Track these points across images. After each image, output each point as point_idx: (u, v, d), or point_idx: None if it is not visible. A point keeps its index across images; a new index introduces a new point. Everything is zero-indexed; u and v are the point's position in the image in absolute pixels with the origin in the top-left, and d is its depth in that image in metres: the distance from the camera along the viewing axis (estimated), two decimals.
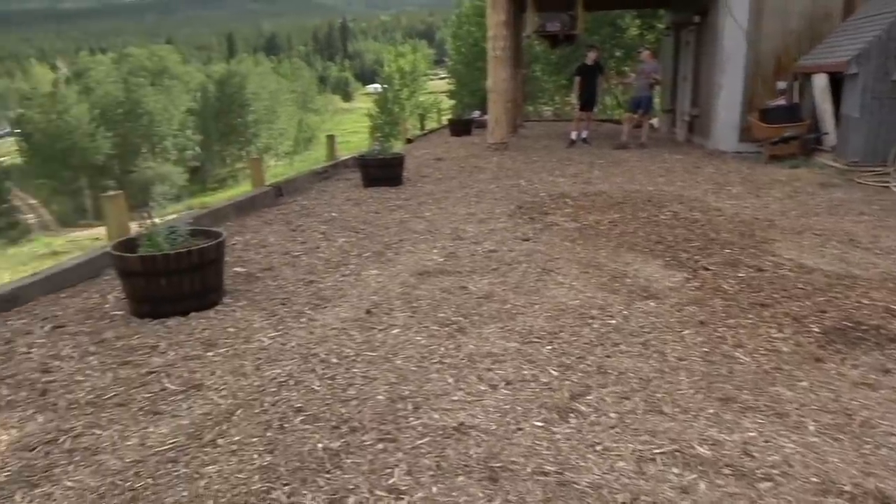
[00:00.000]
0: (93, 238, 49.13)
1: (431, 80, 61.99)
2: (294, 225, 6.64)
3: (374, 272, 4.93)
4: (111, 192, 5.42)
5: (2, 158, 69.25)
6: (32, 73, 79.25)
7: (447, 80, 40.53)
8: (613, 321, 3.86)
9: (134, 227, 4.86)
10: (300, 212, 7.33)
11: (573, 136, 13.10)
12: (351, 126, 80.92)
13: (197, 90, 68.82)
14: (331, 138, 10.71)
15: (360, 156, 9.10)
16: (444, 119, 21.45)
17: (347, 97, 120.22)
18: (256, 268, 5.08)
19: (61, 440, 2.70)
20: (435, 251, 5.47)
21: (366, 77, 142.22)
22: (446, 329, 3.78)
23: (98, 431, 2.76)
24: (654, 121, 15.80)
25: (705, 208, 6.94)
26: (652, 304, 4.16)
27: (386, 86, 52.80)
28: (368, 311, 4.10)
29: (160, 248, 4.03)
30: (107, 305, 4.30)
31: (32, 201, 65.24)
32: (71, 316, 4.12)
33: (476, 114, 18.45)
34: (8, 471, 2.50)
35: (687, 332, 3.70)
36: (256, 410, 2.88)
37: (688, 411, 2.84)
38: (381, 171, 8.87)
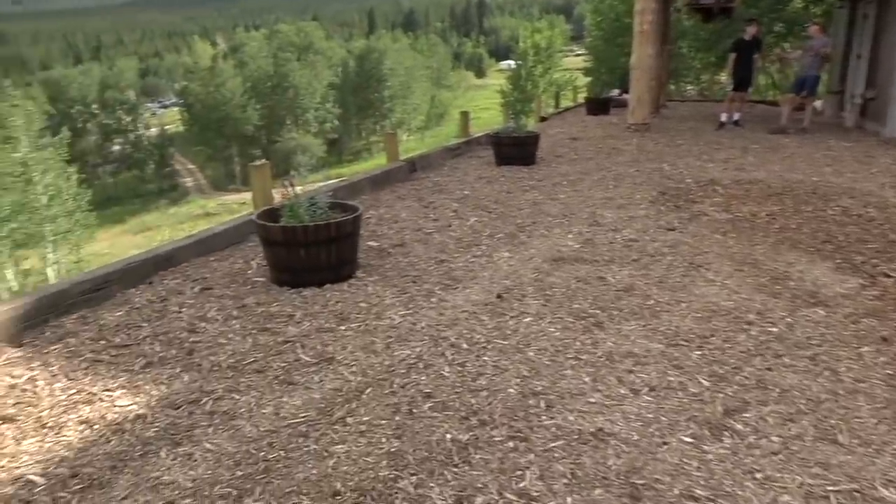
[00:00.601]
0: (240, 202, 53.10)
1: (566, 56, 60.35)
2: (426, 201, 6.62)
3: (506, 255, 4.77)
4: (258, 163, 5.64)
5: (167, 126, 76.44)
6: (195, 49, 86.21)
7: (584, 57, 39.21)
8: (775, 329, 3.44)
9: (277, 196, 5.05)
10: (432, 188, 7.31)
11: (723, 118, 12.11)
12: (483, 102, 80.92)
13: (338, 65, 71.77)
14: (465, 115, 10.62)
15: (494, 133, 8.93)
16: (580, 97, 20.71)
17: (481, 73, 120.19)
18: (389, 243, 5.09)
19: (203, 401, 2.80)
20: (570, 236, 5.21)
21: (500, 53, 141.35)
22: (582, 322, 3.55)
23: (236, 396, 2.83)
24: (818, 103, 14.26)
25: (883, 204, 6.10)
26: (821, 312, 3.67)
27: (520, 62, 52.06)
28: (500, 296, 3.96)
29: (301, 220, 4.11)
30: (249, 271, 4.48)
31: (191, 166, 71.59)
32: (217, 279, 4.32)
33: (615, 92, 17.62)
34: (156, 427, 2.62)
35: (865, 348, 3.22)
36: (386, 391, 2.83)
37: (869, 444, 2.44)
38: (514, 149, 8.65)
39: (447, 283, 4.22)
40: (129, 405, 2.78)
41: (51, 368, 3.12)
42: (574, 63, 65.54)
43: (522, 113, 40.93)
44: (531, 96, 47.62)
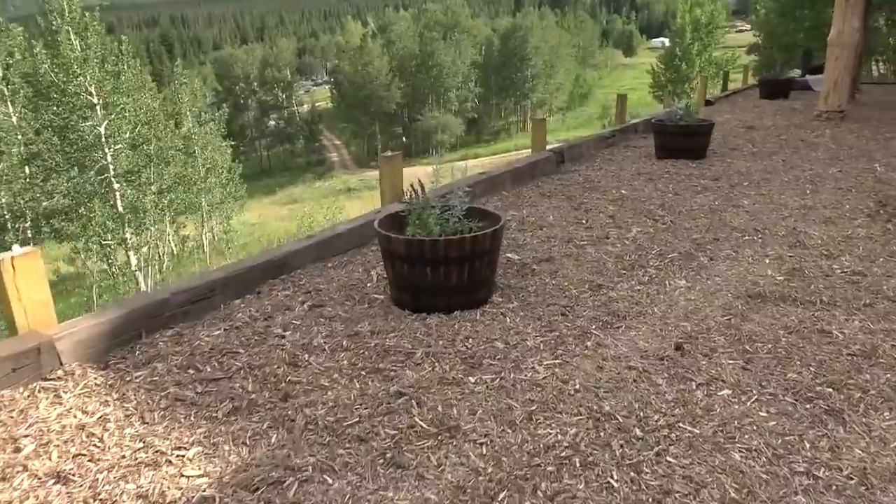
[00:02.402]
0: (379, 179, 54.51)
1: (727, 32, 55.34)
2: (577, 201, 5.67)
3: (683, 284, 3.74)
4: (389, 153, 5.00)
5: (318, 103, 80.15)
6: (347, 29, 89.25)
7: (753, 33, 35.38)
8: None
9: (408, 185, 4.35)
10: (584, 184, 6.32)
11: None
12: (629, 83, 76.93)
13: (482, 44, 71.10)
14: (622, 99, 9.42)
15: (658, 120, 7.71)
16: (751, 78, 18.41)
17: (630, 51, 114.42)
18: (532, 256, 4.23)
19: (287, 482, 2.14)
20: (767, 261, 4.06)
21: (652, 30, 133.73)
22: (808, 407, 2.50)
23: (329, 480, 2.15)
24: None
25: None
26: None
27: (676, 39, 48.31)
28: (679, 348, 2.98)
29: (429, 230, 3.37)
30: (369, 284, 3.83)
31: (337, 142, 74.73)
32: (331, 293, 3.71)
33: (795, 73, 15.37)
34: None
35: None
36: (527, 502, 2.01)
37: None
38: (681, 139, 7.40)
39: (606, 321, 3.30)
40: (198, 476, 2.18)
41: (127, 405, 2.63)
42: (735, 40, 60.05)
43: (675, 94, 37.99)
44: (685, 76, 44.18)
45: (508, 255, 4.24)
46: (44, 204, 20.58)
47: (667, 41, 55.39)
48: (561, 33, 77.41)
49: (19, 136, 20.59)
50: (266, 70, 73.70)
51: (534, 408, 2.53)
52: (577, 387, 2.67)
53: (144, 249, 19.91)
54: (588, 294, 3.64)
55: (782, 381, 2.68)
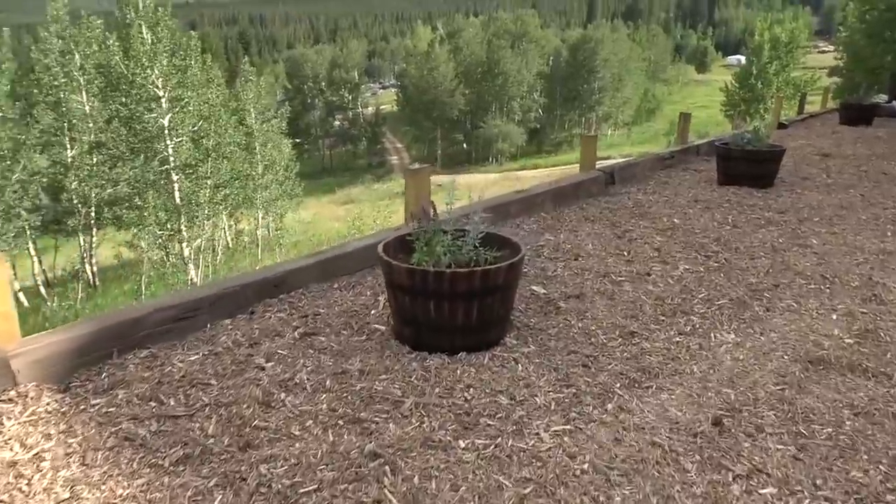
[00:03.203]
0: (436, 184, 54.48)
1: (808, 52, 52.87)
2: (622, 229, 5.16)
3: (731, 338, 3.22)
4: (415, 165, 4.64)
5: (383, 106, 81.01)
6: (417, 33, 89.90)
7: (835, 54, 33.54)
8: None
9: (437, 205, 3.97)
10: (632, 209, 5.80)
11: None
12: (702, 100, 74.69)
13: (550, 54, 70.33)
14: (685, 117, 8.80)
15: (723, 143, 7.09)
16: (831, 101, 17.26)
17: (703, 68, 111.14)
18: (561, 291, 3.78)
19: None
20: (835, 317, 3.49)
21: (728, 47, 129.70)
22: None
23: None
24: None
25: None
26: None
27: (752, 57, 46.33)
28: (717, 423, 2.49)
29: (436, 258, 2.98)
30: (373, 312, 3.46)
31: (399, 145, 75.34)
32: (331, 318, 3.36)
33: (881, 98, 14.24)
34: None
35: None
36: None
37: None
38: (747, 165, 6.77)
39: (634, 378, 2.83)
40: None
41: (72, 440, 2.33)
42: (816, 60, 57.29)
43: (747, 115, 36.35)
44: (760, 96, 42.27)
45: (534, 287, 3.80)
46: (108, 191, 21.29)
47: (743, 59, 53.18)
48: (632, 46, 75.85)
49: (90, 125, 21.37)
50: (334, 70, 74.96)
51: (528, 489, 2.10)
52: (586, 466, 2.23)
53: (198, 242, 20.24)
54: (618, 342, 3.17)
55: (842, 481, 2.16)
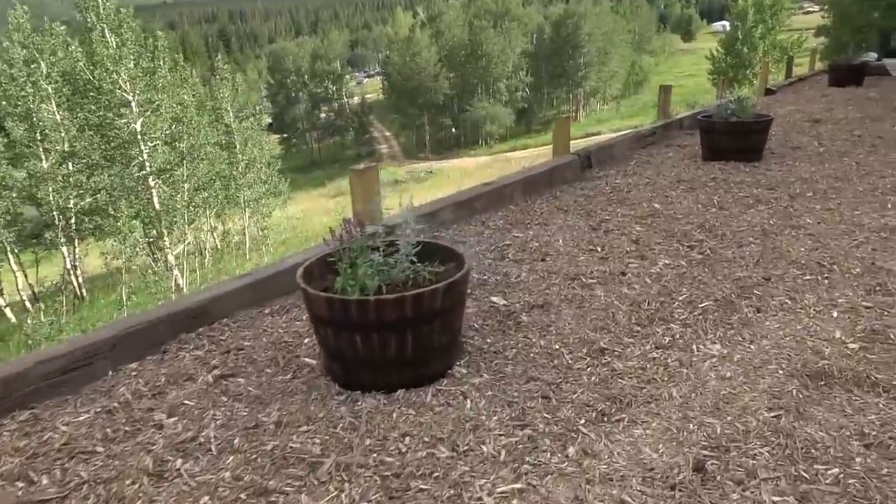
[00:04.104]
0: (427, 170, 53.80)
1: (794, 14, 52.08)
2: (597, 219, 4.71)
3: (716, 350, 2.77)
4: (360, 165, 4.17)
5: (368, 95, 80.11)
6: (397, 19, 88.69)
7: (821, 13, 32.85)
8: None
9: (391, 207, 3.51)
10: (609, 195, 5.34)
11: None
12: (689, 68, 73.93)
13: (534, 32, 69.35)
14: (665, 90, 8.30)
15: (704, 116, 6.61)
16: (820, 63, 16.74)
17: (689, 36, 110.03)
18: (524, 301, 3.33)
19: None
20: (836, 314, 3.04)
21: (712, 14, 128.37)
22: None
23: None
24: None
25: None
26: None
27: (736, 22, 45.56)
28: (699, 469, 2.05)
29: (361, 284, 2.52)
30: (306, 341, 3.01)
31: (387, 133, 74.60)
32: (256, 353, 2.91)
33: (870, 56, 13.74)
34: None
35: None
36: None
37: None
38: (732, 139, 6.30)
39: (603, 410, 2.38)
40: None
41: None
42: (802, 22, 56.44)
43: (735, 81, 35.68)
44: (747, 61, 41.58)
45: (493, 298, 3.35)
46: (87, 200, 20.74)
47: (728, 25, 52.33)
48: (616, 19, 74.76)
49: (63, 134, 20.76)
50: (317, 63, 73.91)
51: None
52: None
53: (180, 248, 19.74)
54: (585, 363, 2.72)
55: None
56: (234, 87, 26.19)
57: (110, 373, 2.77)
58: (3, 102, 20.47)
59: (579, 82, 67.17)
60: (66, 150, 20.48)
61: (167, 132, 19.00)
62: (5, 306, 21.14)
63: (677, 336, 2.89)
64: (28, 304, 22.07)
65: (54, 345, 2.79)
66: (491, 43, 62.45)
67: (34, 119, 19.99)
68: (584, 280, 3.54)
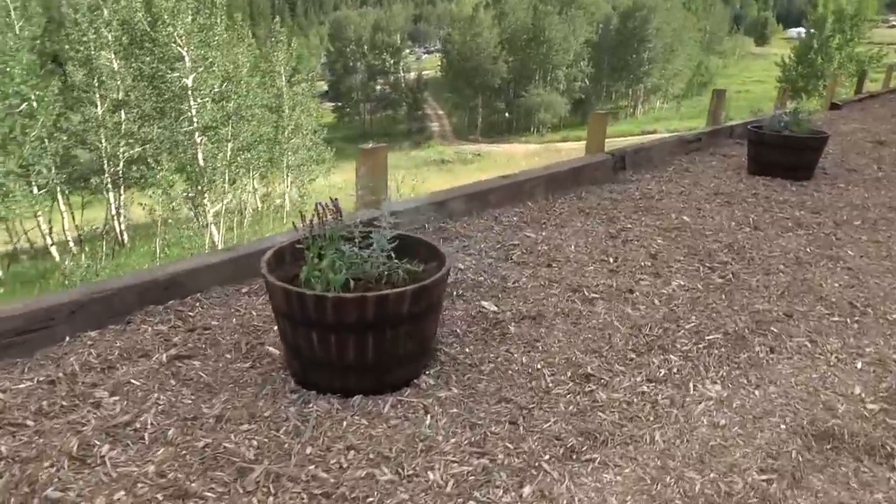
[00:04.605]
0: (475, 153, 53.36)
1: (877, 27, 49.48)
2: (618, 225, 4.40)
3: (715, 391, 2.49)
4: (369, 144, 3.96)
5: (426, 71, 79.63)
6: None
7: None
8: None
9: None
10: (637, 201, 5.01)
11: None
12: (758, 73, 71.32)
13: (600, 21, 67.65)
14: (718, 94, 7.81)
15: (754, 126, 6.18)
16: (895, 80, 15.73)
17: (762, 40, 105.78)
18: (516, 309, 3.08)
19: None
20: (860, 365, 2.71)
21: (790, 19, 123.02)
22: None
23: None
24: None
25: None
26: None
27: (812, 30, 43.40)
28: None
29: (325, 277, 2.32)
30: (274, 329, 2.83)
31: (440, 112, 74.13)
32: (220, 335, 2.75)
33: None
34: None
35: None
36: None
37: None
38: (782, 154, 5.86)
39: (573, 446, 2.14)
40: None
41: None
42: (884, 36, 53.57)
43: (804, 92, 34.05)
44: (819, 72, 39.65)
45: (484, 303, 3.11)
46: (136, 149, 21.15)
47: (804, 31, 49.94)
48: (686, 15, 72.28)
49: (118, 83, 21.15)
50: (377, 34, 73.74)
51: None
52: None
53: (218, 206, 19.97)
54: (566, 388, 2.47)
55: None
56: (288, 51, 26.21)
57: (67, 338, 2.65)
58: (66, 46, 20.95)
59: (641, 78, 65.40)
60: (119, 98, 20.87)
61: (217, 90, 19.11)
62: (51, 245, 21.83)
63: (675, 370, 2.61)
64: (72, 246, 22.76)
65: (12, 303, 2.68)
66: (554, 29, 61.16)
67: (93, 65, 20.40)
68: (586, 293, 3.27)
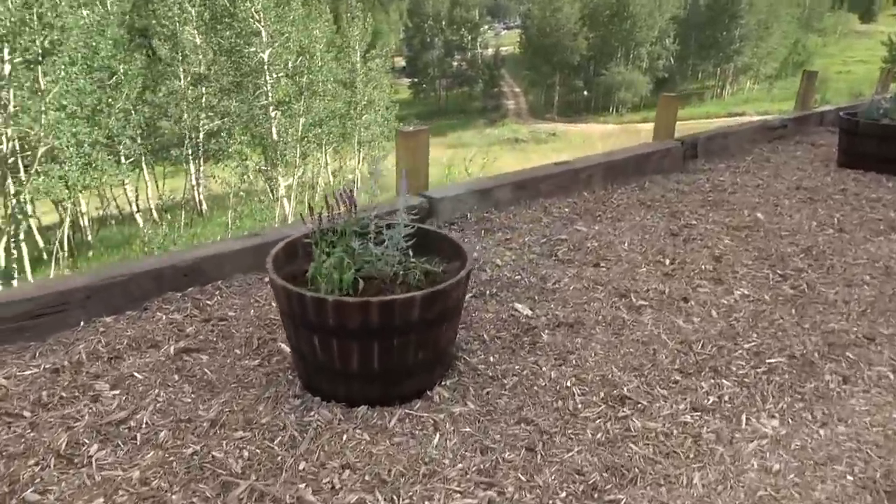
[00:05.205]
0: (550, 132, 52.23)
1: None
2: (682, 221, 4.02)
3: (772, 427, 2.16)
4: (409, 128, 3.74)
5: (504, 48, 78.33)
6: None
7: None
8: None
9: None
10: (707, 194, 4.59)
11: None
12: (861, 53, 66.26)
13: None
14: (809, 76, 7.10)
15: (847, 113, 5.55)
16: None
17: (868, 17, 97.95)
18: (552, 315, 2.81)
19: None
20: None
21: None
22: None
23: None
24: None
25: None
26: None
27: None
28: None
29: (330, 277, 2.13)
30: None
31: (516, 89, 72.94)
32: (234, 328, 2.63)
33: None
34: None
35: None
36: None
37: None
38: (878, 145, 5.24)
39: (594, 483, 1.88)
40: None
41: None
42: None
43: None
44: None
45: (518, 305, 2.86)
46: (216, 122, 21.80)
47: None
48: None
49: (200, 57, 21.77)
50: (455, 9, 73.01)
51: None
52: None
53: (290, 180, 20.34)
54: (597, 411, 2.20)
55: None
56: (364, 26, 26.23)
57: (81, 323, 2.59)
58: (153, 21, 21.71)
59: (731, 56, 61.94)
60: (200, 72, 21.49)
61: (291, 66, 19.33)
62: (137, 212, 22.94)
63: (726, 398, 2.29)
64: (155, 214, 23.83)
65: (24, 285, 2.65)
66: (638, 5, 58.69)
67: (177, 39, 21.06)
68: (633, 300, 2.95)
